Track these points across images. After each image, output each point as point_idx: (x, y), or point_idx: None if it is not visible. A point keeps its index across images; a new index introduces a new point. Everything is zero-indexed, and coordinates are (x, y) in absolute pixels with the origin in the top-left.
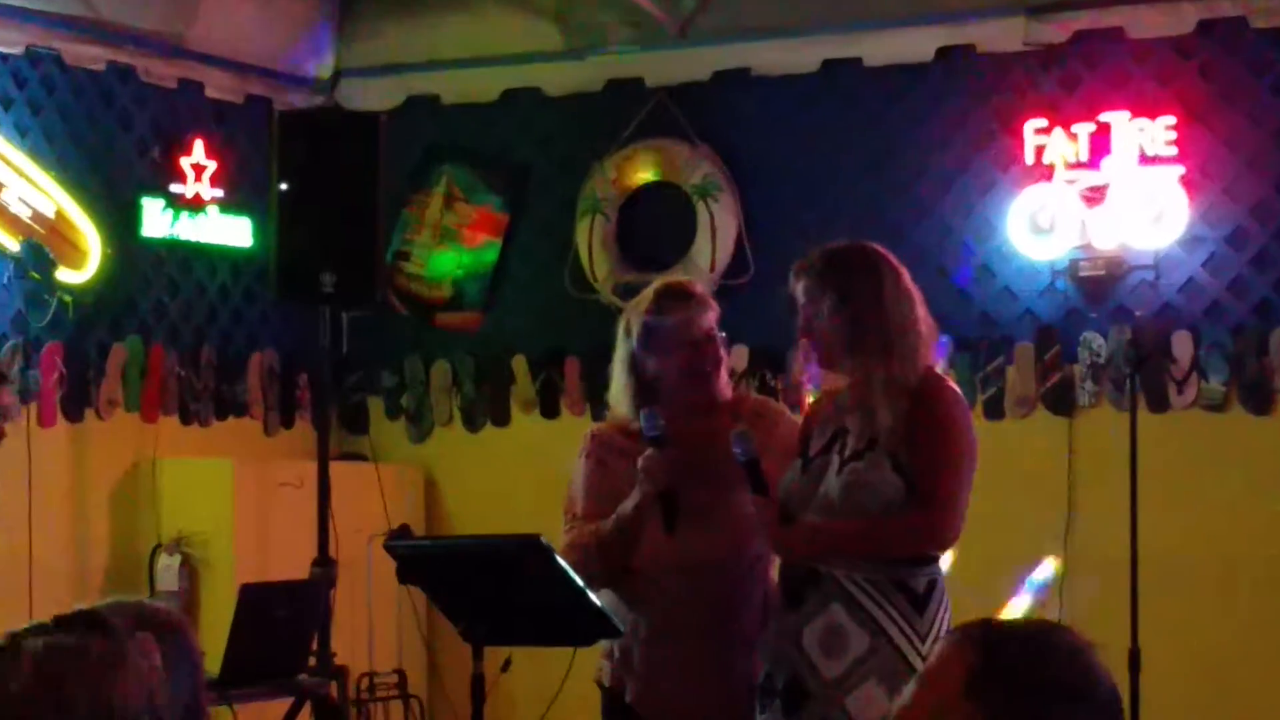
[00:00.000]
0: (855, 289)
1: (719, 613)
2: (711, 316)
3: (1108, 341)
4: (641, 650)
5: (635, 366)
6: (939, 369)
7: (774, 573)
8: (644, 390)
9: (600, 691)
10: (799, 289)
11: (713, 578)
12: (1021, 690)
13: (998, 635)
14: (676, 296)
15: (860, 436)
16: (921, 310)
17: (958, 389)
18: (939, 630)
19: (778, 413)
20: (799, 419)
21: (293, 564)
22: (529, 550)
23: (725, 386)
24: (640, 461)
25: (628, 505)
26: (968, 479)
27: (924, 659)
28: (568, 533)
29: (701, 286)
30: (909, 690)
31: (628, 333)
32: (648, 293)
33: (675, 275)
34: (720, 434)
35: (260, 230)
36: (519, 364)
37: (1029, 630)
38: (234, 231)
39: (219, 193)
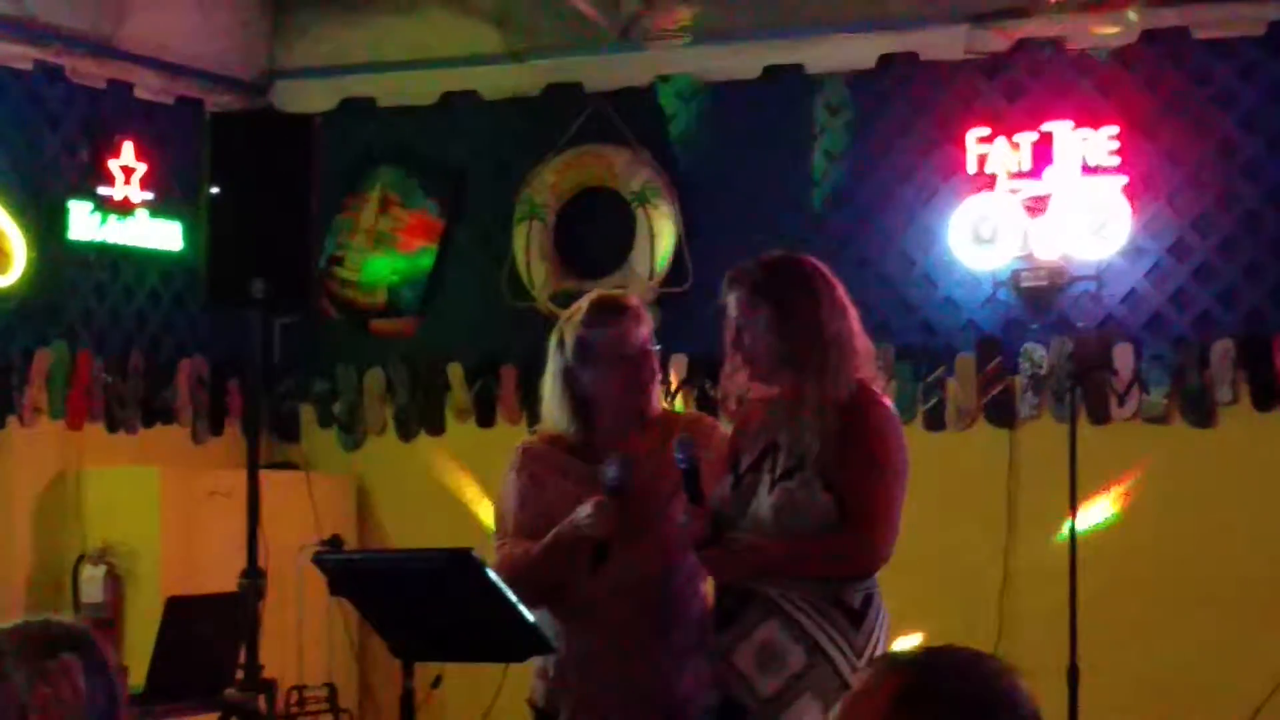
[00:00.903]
0: (792, 303)
1: (654, 629)
2: (645, 330)
3: (1049, 353)
4: (576, 669)
5: (569, 380)
6: (876, 384)
7: (707, 588)
8: (578, 405)
9: (533, 713)
10: (731, 300)
11: (648, 594)
12: (943, 713)
13: (922, 660)
14: (610, 310)
15: (791, 454)
16: (856, 325)
17: (889, 405)
18: (877, 645)
19: (711, 426)
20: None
21: (221, 575)
22: (460, 564)
23: (657, 401)
24: (592, 507)
25: (565, 532)
26: (898, 496)
27: (860, 673)
28: (499, 549)
29: (636, 299)
30: (833, 715)
31: (561, 346)
32: (582, 304)
33: (611, 286)
34: (653, 450)
35: (191, 234)
36: (454, 372)
37: (953, 656)
38: (164, 235)
39: (149, 196)
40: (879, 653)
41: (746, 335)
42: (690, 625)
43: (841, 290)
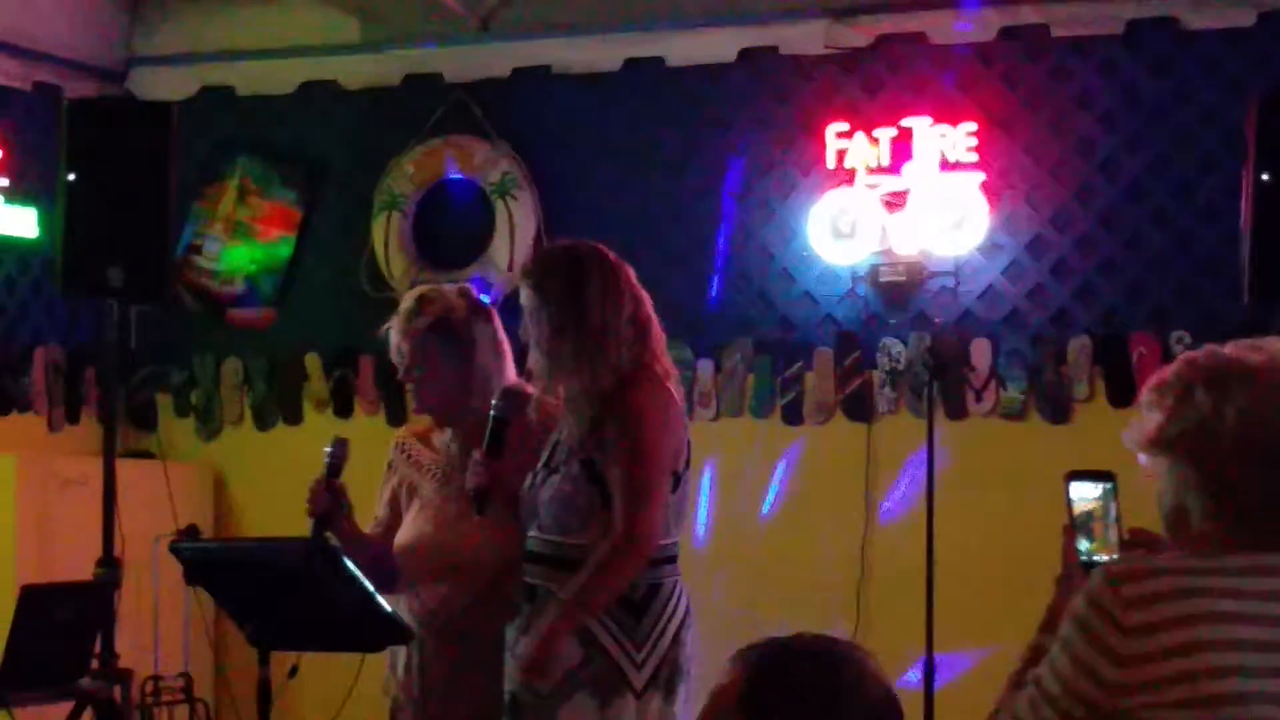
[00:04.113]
0: (563, 295)
1: (490, 615)
2: (415, 337)
3: (907, 348)
4: (406, 659)
5: None
6: (664, 372)
7: None
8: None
9: (389, 703)
10: (523, 294)
11: (468, 580)
12: (788, 699)
13: (770, 651)
14: (410, 315)
15: (563, 446)
16: (646, 310)
17: (662, 387)
18: (662, 634)
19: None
20: None
21: (77, 564)
22: (315, 553)
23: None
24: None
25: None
26: (655, 479)
27: (640, 667)
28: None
29: (411, 300)
30: (698, 711)
31: None
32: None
33: (469, 277)
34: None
35: (47, 221)
36: (312, 362)
37: (801, 645)
38: (19, 222)
39: (4, 182)
40: (669, 642)
41: (532, 327)
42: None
43: (624, 275)
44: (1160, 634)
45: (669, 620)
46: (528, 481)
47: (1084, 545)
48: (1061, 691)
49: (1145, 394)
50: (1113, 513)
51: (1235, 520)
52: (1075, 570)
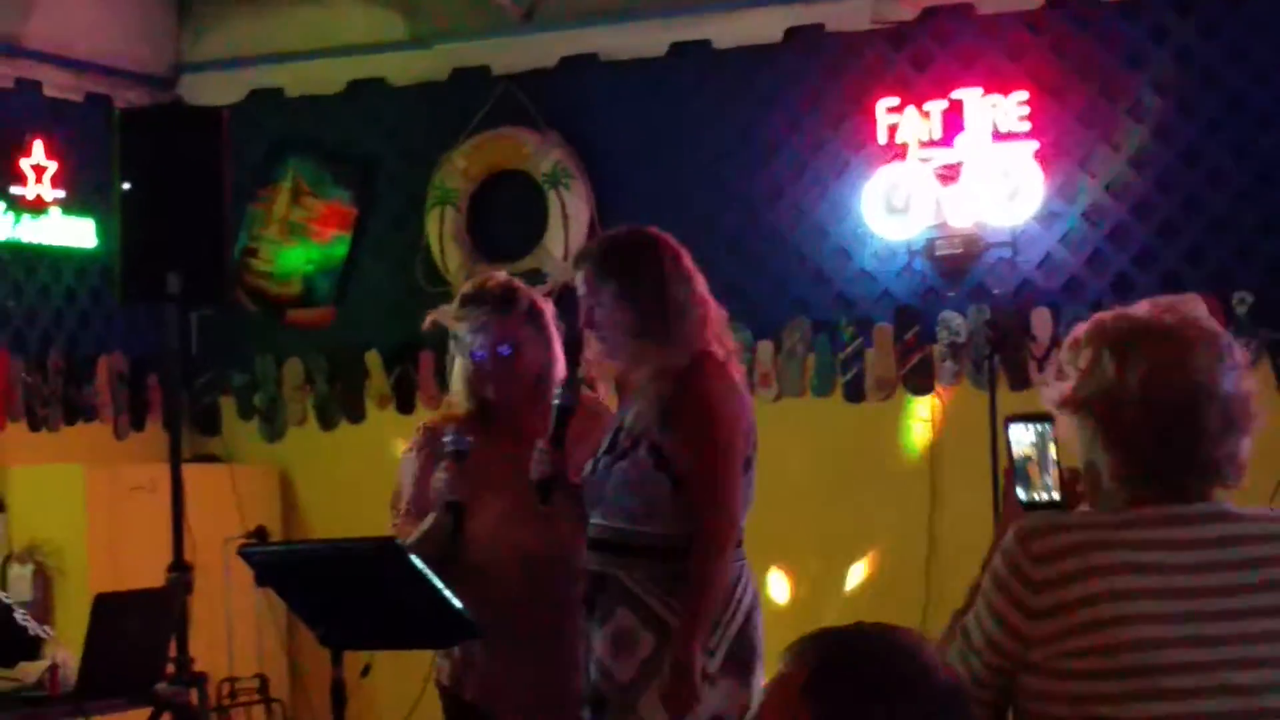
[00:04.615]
0: (636, 276)
1: (556, 609)
2: (505, 323)
3: (967, 320)
4: (480, 647)
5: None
6: (726, 349)
7: None
8: (469, 385)
9: (440, 692)
10: (579, 279)
11: (548, 574)
12: (854, 688)
13: (830, 643)
14: (472, 302)
15: (630, 433)
16: (703, 292)
17: (727, 372)
18: (732, 619)
19: (605, 410)
20: None
21: (148, 569)
22: (385, 552)
23: (554, 381)
24: (436, 474)
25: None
26: (733, 471)
27: (712, 653)
28: (393, 527)
29: (504, 287)
30: (756, 700)
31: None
32: (459, 294)
33: (525, 268)
34: (546, 433)
35: (104, 231)
36: (372, 359)
37: (862, 636)
38: (77, 233)
39: (61, 194)
40: (739, 626)
41: (596, 312)
42: (576, 619)
43: (687, 258)
44: (1065, 588)
45: (738, 604)
46: (588, 469)
47: (1024, 487)
48: (984, 644)
49: (1061, 353)
50: (1050, 455)
51: (1141, 479)
52: (1015, 511)
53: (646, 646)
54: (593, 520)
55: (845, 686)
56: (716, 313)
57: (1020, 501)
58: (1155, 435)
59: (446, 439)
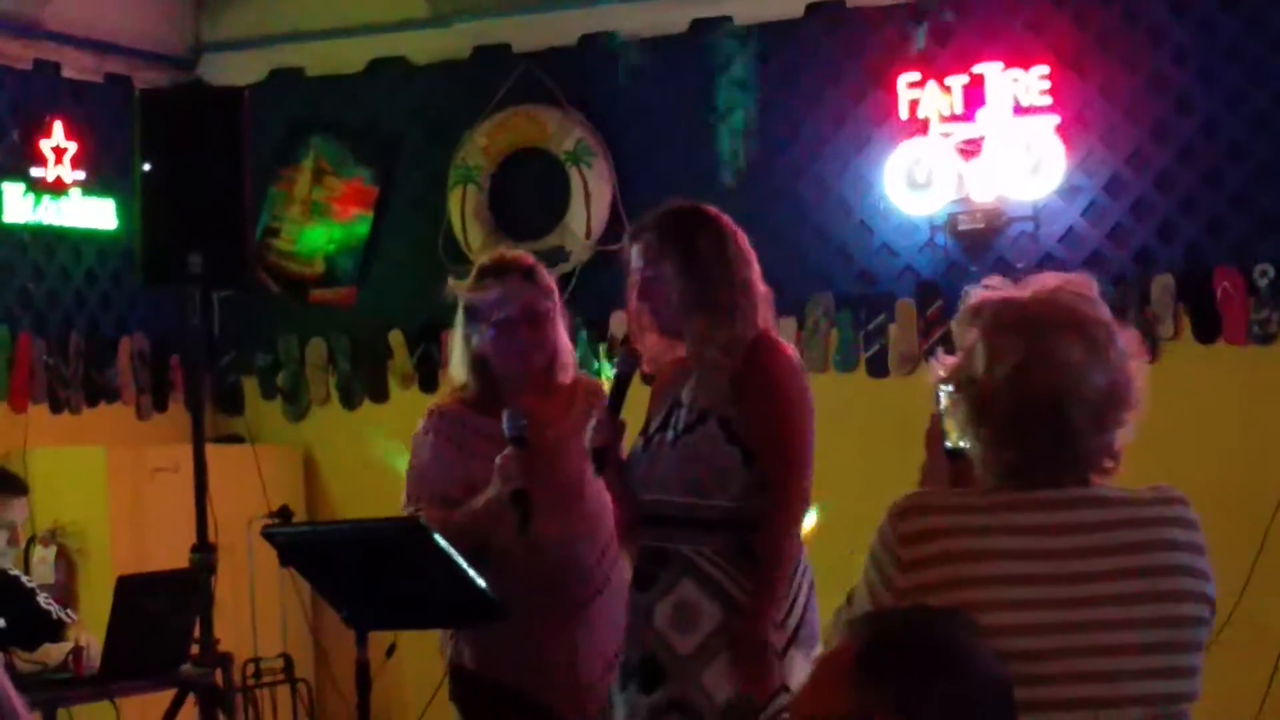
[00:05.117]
0: (698, 247)
1: (571, 595)
2: (535, 291)
3: None
4: (487, 634)
5: (467, 341)
6: (775, 332)
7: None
8: (475, 365)
9: (447, 668)
10: (635, 251)
11: (562, 561)
12: (900, 668)
13: (882, 619)
14: (495, 271)
15: (692, 408)
16: (758, 272)
17: (791, 351)
18: (798, 594)
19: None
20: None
21: (171, 551)
22: (410, 533)
23: (563, 366)
24: (498, 460)
25: (480, 500)
26: (807, 447)
27: (776, 626)
28: (410, 512)
29: (530, 260)
30: (804, 676)
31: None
32: (476, 267)
33: (547, 246)
34: (555, 417)
35: (125, 212)
36: (395, 338)
37: (914, 613)
38: (98, 214)
39: (81, 175)
40: (804, 601)
41: (654, 284)
42: (604, 598)
43: (743, 237)
44: (931, 570)
45: (801, 580)
46: (637, 446)
47: (948, 437)
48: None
49: (954, 324)
50: None
51: (1010, 466)
52: (937, 455)
53: (712, 620)
54: (647, 497)
55: (893, 666)
56: (766, 292)
57: (946, 449)
58: (1021, 430)
59: (505, 424)
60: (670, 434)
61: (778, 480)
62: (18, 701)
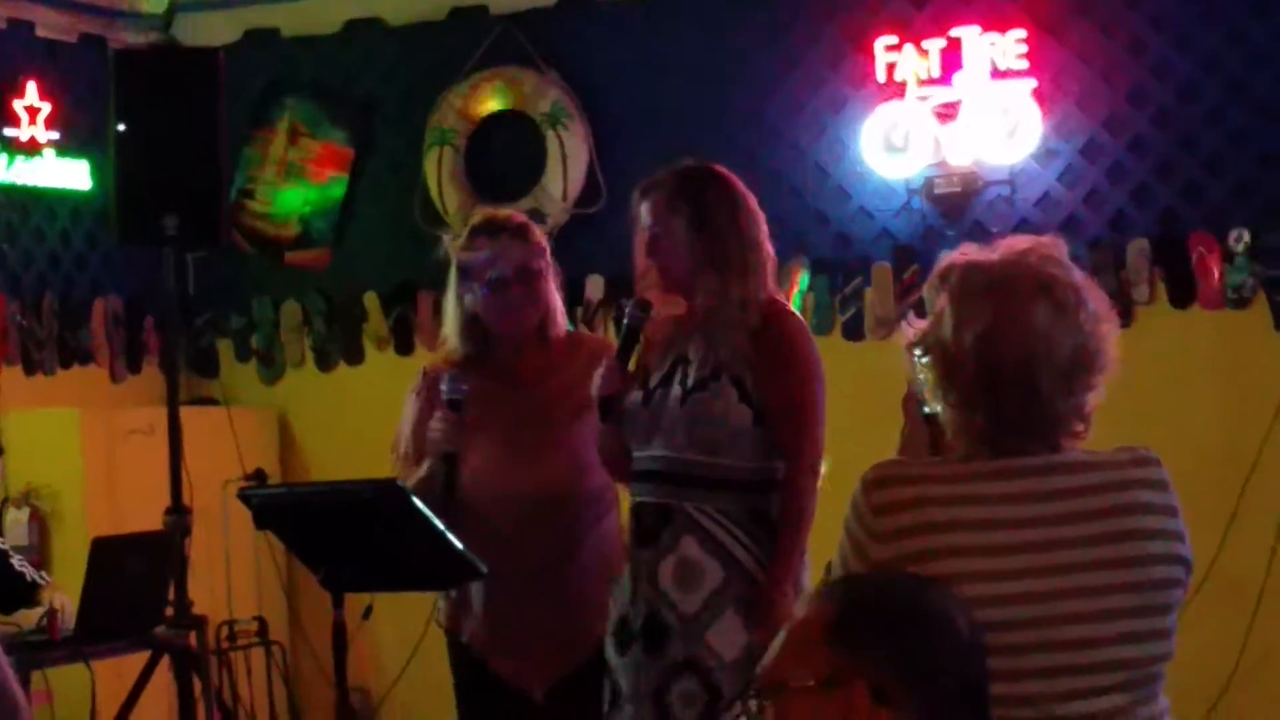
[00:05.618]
0: (711, 205)
1: (556, 549)
2: (527, 250)
3: None
4: (480, 588)
5: (459, 300)
6: (780, 295)
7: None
8: (468, 325)
9: (444, 634)
10: (644, 209)
11: (548, 514)
12: (873, 632)
13: (855, 585)
14: (488, 231)
15: (704, 364)
16: (767, 234)
17: (800, 316)
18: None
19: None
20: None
21: (146, 513)
22: (386, 494)
23: (555, 323)
24: (431, 423)
25: (424, 466)
26: (820, 405)
27: (799, 587)
28: (395, 471)
29: (521, 217)
30: (775, 642)
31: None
32: (466, 226)
33: (524, 208)
34: (552, 370)
35: (99, 172)
36: (370, 300)
37: (887, 578)
38: (72, 175)
39: (55, 135)
40: (805, 560)
41: (664, 241)
42: (597, 543)
43: (754, 199)
44: (903, 540)
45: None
46: (636, 399)
47: (925, 403)
48: None
49: (925, 289)
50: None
51: (979, 433)
52: (915, 421)
53: (714, 578)
54: (649, 453)
55: (866, 629)
56: (773, 256)
57: (924, 414)
58: (990, 394)
59: (443, 386)
60: (677, 389)
61: (800, 442)
62: (20, 698)
